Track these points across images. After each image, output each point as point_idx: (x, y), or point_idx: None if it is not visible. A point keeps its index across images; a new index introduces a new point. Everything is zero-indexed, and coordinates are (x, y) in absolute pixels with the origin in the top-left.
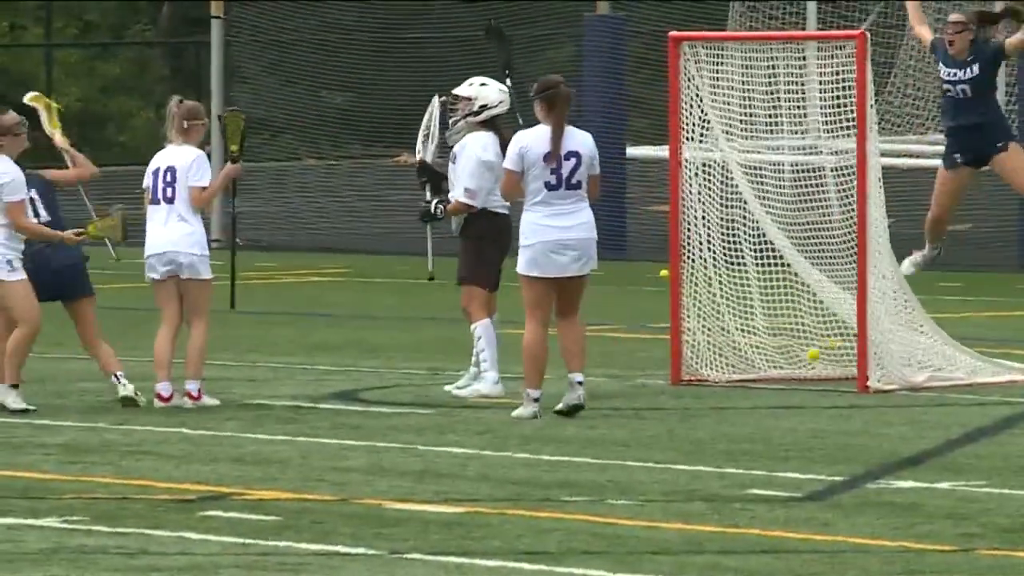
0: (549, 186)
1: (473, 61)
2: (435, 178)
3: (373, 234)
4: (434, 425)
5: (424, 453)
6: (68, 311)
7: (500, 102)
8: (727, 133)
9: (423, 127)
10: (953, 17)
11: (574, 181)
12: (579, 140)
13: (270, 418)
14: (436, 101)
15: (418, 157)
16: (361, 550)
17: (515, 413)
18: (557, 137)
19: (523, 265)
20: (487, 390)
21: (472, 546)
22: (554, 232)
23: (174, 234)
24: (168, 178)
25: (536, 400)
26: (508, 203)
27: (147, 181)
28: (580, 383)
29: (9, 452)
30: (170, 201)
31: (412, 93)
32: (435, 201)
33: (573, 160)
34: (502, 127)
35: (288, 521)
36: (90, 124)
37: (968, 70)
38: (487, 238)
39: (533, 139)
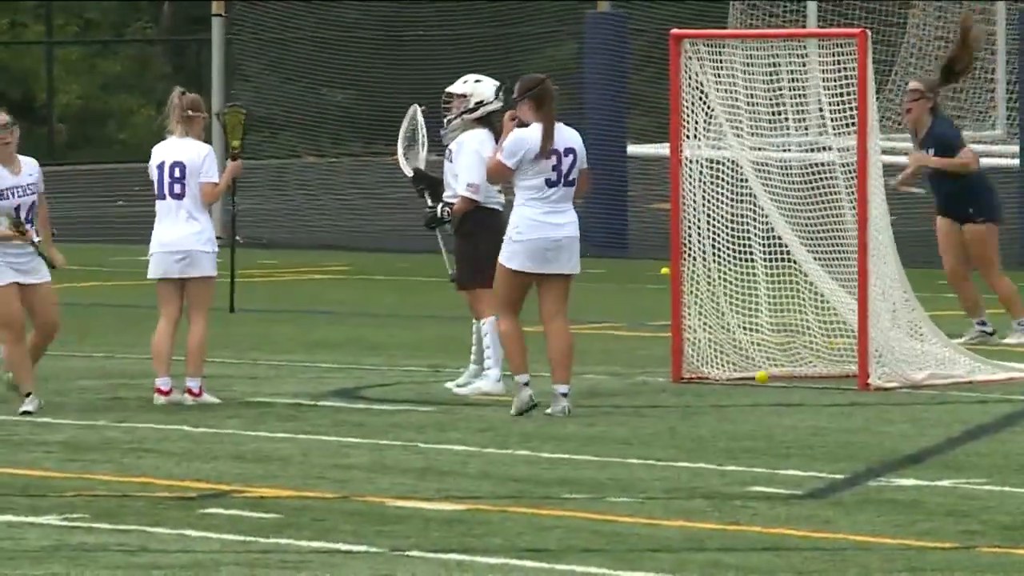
0: (550, 183)
1: (472, 59)
2: (433, 184)
3: (374, 232)
4: (435, 423)
5: (425, 451)
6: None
7: (495, 98)
8: (735, 130)
9: (402, 137)
10: (912, 85)
11: (571, 178)
12: (571, 136)
13: (271, 416)
14: (418, 110)
15: (408, 167)
16: (362, 548)
17: (514, 411)
18: (548, 133)
19: (513, 258)
20: (489, 388)
21: (473, 543)
22: (549, 229)
23: (184, 231)
24: (176, 174)
25: (527, 384)
26: (502, 200)
27: (153, 175)
28: (565, 394)
29: (10, 449)
30: (178, 197)
31: (413, 91)
32: (440, 205)
33: (571, 157)
34: (496, 123)
35: (289, 519)
36: (91, 121)
37: (926, 152)
38: (482, 234)
39: (533, 136)
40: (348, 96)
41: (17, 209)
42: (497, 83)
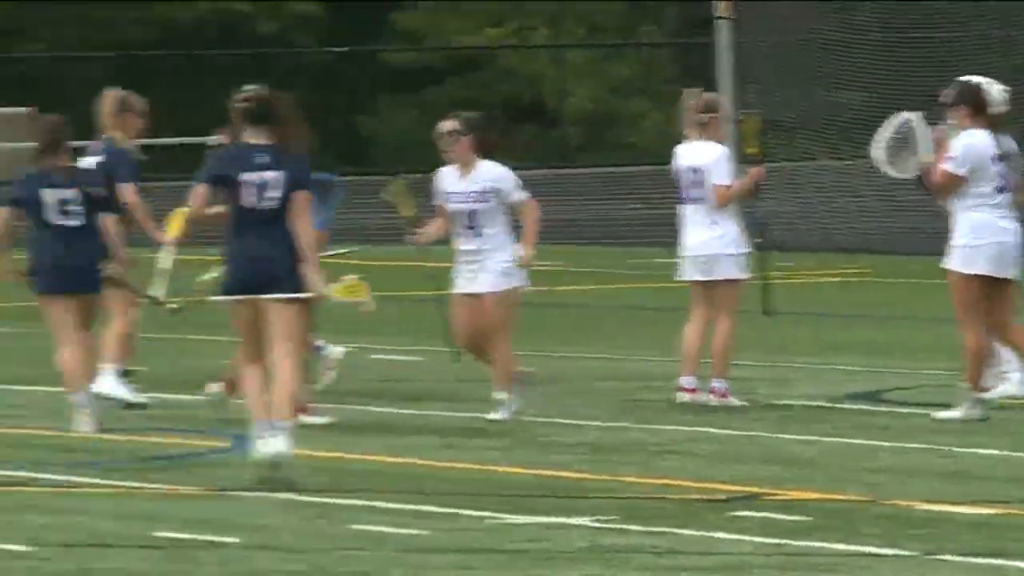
0: (999, 189)
1: (978, 60)
2: None
3: (885, 234)
4: (962, 426)
5: (952, 454)
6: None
7: (1001, 102)
8: None
9: (887, 142)
10: None
11: (1012, 183)
12: (1010, 143)
13: (792, 418)
14: (913, 117)
15: (895, 170)
16: (892, 551)
17: (959, 414)
18: (995, 138)
19: (972, 263)
20: (1015, 390)
21: (1004, 548)
22: (1004, 234)
23: (705, 235)
24: (694, 177)
25: (983, 401)
26: None
27: (675, 178)
28: None
29: (539, 451)
30: (697, 201)
31: (924, 93)
32: None
33: (1011, 162)
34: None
35: (818, 521)
36: (599, 124)
37: None
38: None
39: (981, 142)
40: (861, 98)
41: (466, 214)
42: (1005, 88)
